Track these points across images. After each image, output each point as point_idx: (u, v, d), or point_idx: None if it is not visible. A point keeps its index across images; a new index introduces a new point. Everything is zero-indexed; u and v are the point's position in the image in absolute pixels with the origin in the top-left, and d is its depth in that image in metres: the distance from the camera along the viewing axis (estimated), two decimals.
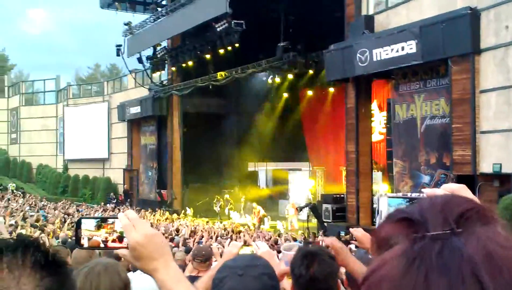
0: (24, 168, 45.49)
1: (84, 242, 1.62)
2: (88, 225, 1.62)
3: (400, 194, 1.46)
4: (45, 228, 15.45)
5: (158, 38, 29.10)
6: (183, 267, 6.02)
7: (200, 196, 29.64)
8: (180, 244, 12.58)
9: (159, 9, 29.38)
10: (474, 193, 1.18)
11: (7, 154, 47.72)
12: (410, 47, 15.22)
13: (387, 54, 15.98)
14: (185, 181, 30.73)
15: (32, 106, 46.70)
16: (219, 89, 27.84)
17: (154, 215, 25.40)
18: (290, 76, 25.00)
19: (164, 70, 31.05)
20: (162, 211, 27.49)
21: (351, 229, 3.69)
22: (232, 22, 22.50)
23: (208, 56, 25.96)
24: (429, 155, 15.85)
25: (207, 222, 23.81)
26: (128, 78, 36.61)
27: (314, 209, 19.68)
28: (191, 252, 5.63)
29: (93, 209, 26.99)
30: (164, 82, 31.55)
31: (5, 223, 14.49)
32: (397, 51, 15.63)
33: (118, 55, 31.06)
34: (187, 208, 28.60)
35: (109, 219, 1.63)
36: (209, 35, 24.90)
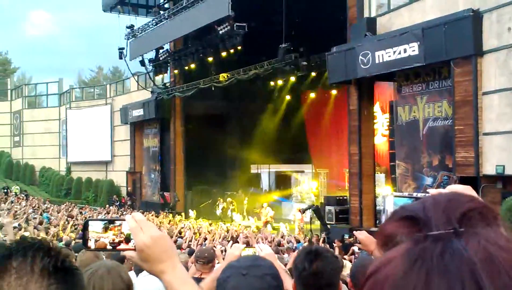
0: (27, 170, 45.58)
1: (91, 243, 1.63)
2: (95, 227, 1.63)
3: (406, 194, 1.46)
4: (48, 230, 15.47)
5: (161, 41, 29.14)
6: (185, 269, 6.02)
7: (203, 198, 29.65)
8: (183, 247, 12.58)
9: (162, 12, 29.43)
10: (477, 194, 1.20)
11: (10, 156, 47.79)
12: (412, 49, 15.20)
13: (389, 56, 15.97)
14: (188, 184, 30.77)
15: (35, 109, 46.80)
16: (222, 91, 27.87)
17: (157, 217, 25.40)
18: (292, 79, 24.98)
19: (166, 73, 31.10)
20: (165, 213, 27.51)
21: (355, 232, 3.70)
22: (235, 25, 22.53)
23: (210, 59, 25.97)
24: (431, 157, 15.83)
25: (210, 224, 23.82)
26: (131, 81, 36.68)
27: (317, 211, 19.63)
28: (193, 254, 5.63)
29: (96, 211, 27.00)
30: (167, 85, 31.59)
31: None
32: (400, 53, 15.62)
33: (120, 58, 31.11)
34: (190, 210, 28.61)
35: (116, 221, 1.64)
36: (211, 38, 24.93)
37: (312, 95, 27.48)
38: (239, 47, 23.21)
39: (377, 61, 16.40)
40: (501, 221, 0.72)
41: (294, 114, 29.59)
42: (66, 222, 19.26)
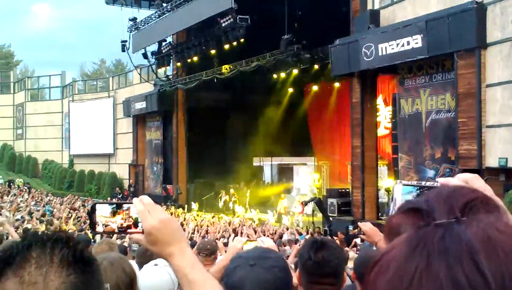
0: (30, 163, 45.65)
1: (99, 228, 1.64)
2: (103, 211, 1.64)
3: (415, 182, 1.47)
4: (51, 223, 15.53)
5: (163, 34, 29.11)
6: None
7: (205, 191, 29.68)
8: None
9: (164, 4, 29.33)
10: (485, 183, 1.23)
11: (13, 149, 47.88)
12: (415, 41, 15.16)
13: (392, 48, 15.93)
14: (190, 176, 30.81)
15: (37, 102, 46.83)
16: (224, 84, 27.82)
17: None
18: (295, 71, 24.94)
19: (169, 65, 31.08)
20: (167, 206, 27.54)
21: (359, 223, 3.73)
22: (237, 17, 22.47)
23: (213, 52, 25.95)
24: (434, 150, 15.82)
25: (213, 216, 23.87)
26: (134, 73, 36.65)
27: (319, 203, 19.67)
28: (196, 246, 5.65)
29: None
30: (170, 77, 31.57)
31: (10, 218, 14.54)
32: (403, 45, 15.58)
33: (123, 50, 31.08)
34: (192, 203, 28.66)
35: (124, 205, 1.64)
36: (214, 31, 24.89)
37: (315, 87, 27.42)
38: (242, 40, 23.16)
39: (380, 54, 16.36)
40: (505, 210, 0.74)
41: (296, 106, 29.54)
42: (69, 215, 19.34)
